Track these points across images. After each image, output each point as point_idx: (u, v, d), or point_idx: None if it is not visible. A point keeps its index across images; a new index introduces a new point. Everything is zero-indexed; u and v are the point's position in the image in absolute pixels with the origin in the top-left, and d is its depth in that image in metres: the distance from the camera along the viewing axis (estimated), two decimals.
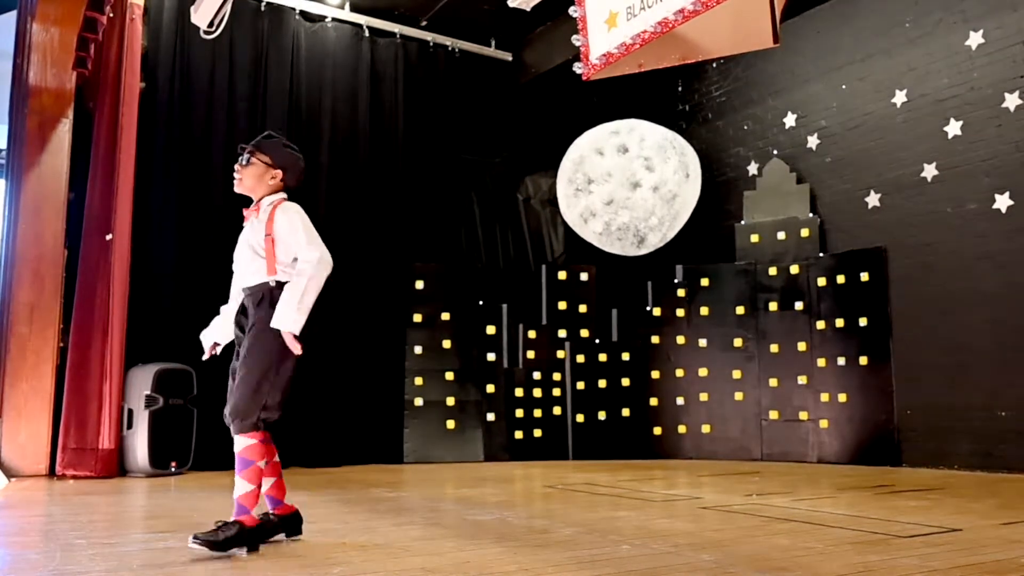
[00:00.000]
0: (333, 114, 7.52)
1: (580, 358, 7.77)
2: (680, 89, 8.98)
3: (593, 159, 7.00)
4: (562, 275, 7.96)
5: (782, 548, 3.09)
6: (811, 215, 7.46)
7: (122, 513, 4.27)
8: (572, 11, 4.67)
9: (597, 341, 7.86)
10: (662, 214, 6.79)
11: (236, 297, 3.33)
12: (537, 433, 7.59)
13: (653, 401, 7.74)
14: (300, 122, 7.25)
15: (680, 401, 7.71)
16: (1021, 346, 5.95)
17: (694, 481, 5.72)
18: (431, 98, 8.05)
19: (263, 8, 7.27)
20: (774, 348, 7.43)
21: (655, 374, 7.77)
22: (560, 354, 7.78)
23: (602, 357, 7.80)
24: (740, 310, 7.63)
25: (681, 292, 7.82)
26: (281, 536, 3.26)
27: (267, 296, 3.16)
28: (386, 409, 7.25)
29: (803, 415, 7.20)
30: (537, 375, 7.68)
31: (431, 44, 8.11)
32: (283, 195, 3.33)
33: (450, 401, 7.37)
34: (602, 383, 7.75)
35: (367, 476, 6.06)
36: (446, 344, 7.45)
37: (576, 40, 4.61)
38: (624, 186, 6.83)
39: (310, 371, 6.53)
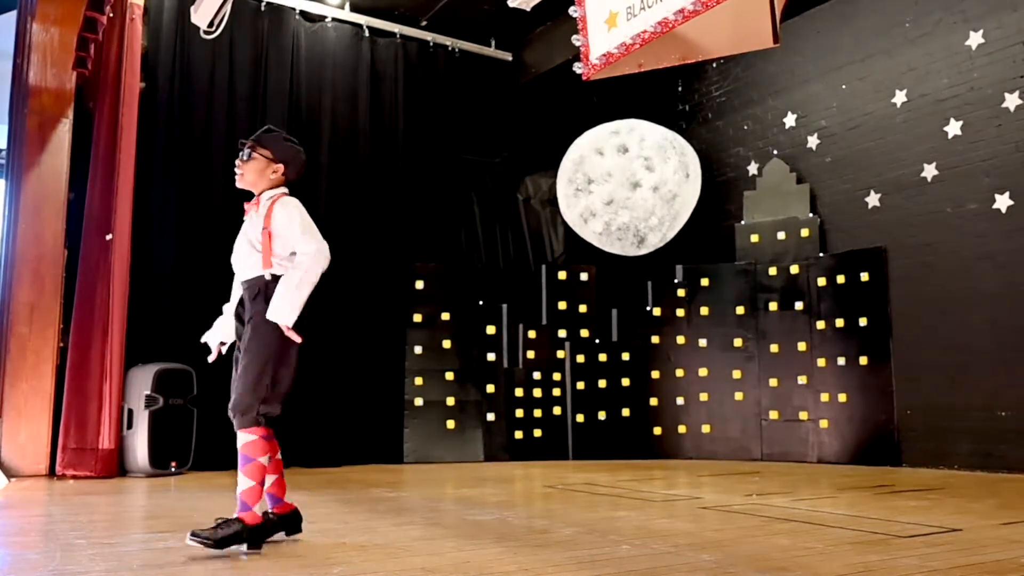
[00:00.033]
0: (333, 114, 7.52)
1: (580, 358, 7.77)
2: (680, 89, 8.98)
3: (593, 159, 7.00)
4: (562, 275, 7.96)
5: (782, 548, 3.09)
6: (811, 215, 7.46)
7: (122, 513, 4.27)
8: (572, 11, 4.67)
9: (597, 341, 7.86)
10: (662, 214, 6.79)
11: (237, 293, 3.34)
12: (537, 433, 7.59)
13: (653, 401, 7.74)
14: (300, 122, 7.25)
15: (680, 401, 7.71)
16: (1021, 346, 5.95)
17: (694, 481, 5.72)
18: (431, 98, 8.05)
19: (263, 8, 7.27)
20: (774, 348, 7.43)
21: (655, 374, 7.77)
22: (560, 354, 7.78)
23: (602, 357, 7.80)
24: (740, 310, 7.63)
25: (681, 292, 7.82)
26: (280, 535, 3.26)
27: (263, 290, 3.17)
28: (386, 409, 7.25)
29: (803, 415, 7.20)
30: (537, 375, 7.68)
31: (431, 44, 8.11)
32: (284, 190, 3.33)
33: (450, 401, 7.37)
34: (602, 383, 7.75)
35: (367, 476, 6.06)
36: (446, 344, 7.45)
37: (576, 40, 4.61)
38: (624, 186, 6.83)
39: (310, 371, 6.54)
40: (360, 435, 7.06)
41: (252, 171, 3.30)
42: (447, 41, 8.19)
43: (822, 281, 7.24)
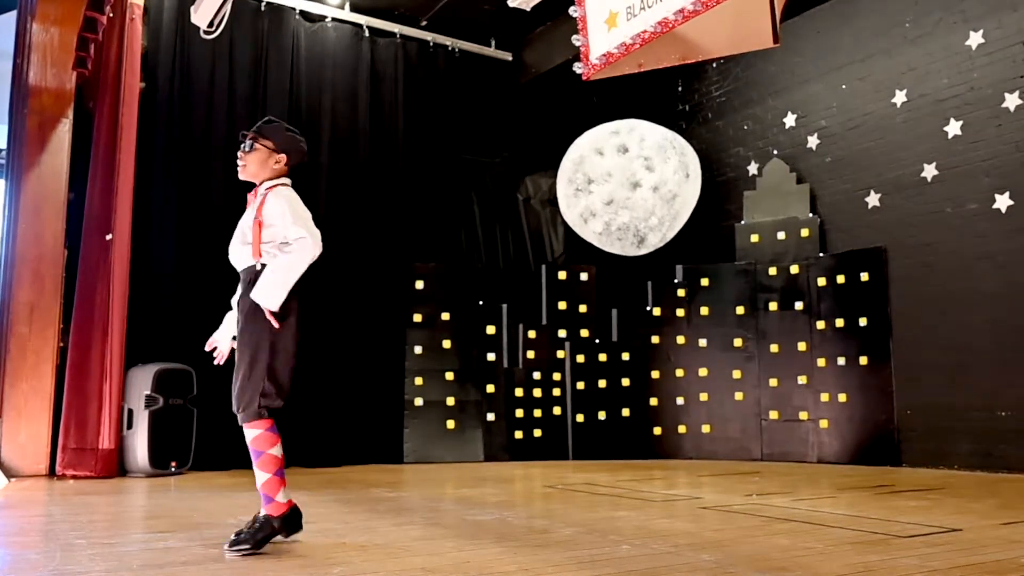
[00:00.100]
0: (333, 114, 7.52)
1: (580, 358, 7.77)
2: (680, 89, 8.98)
3: (593, 159, 7.00)
4: (562, 275, 7.96)
5: (782, 548, 3.09)
6: (811, 215, 7.46)
7: (122, 513, 4.27)
8: (572, 11, 4.67)
9: (597, 341, 7.86)
10: (662, 214, 6.79)
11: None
12: (537, 433, 7.59)
13: (653, 401, 7.74)
14: (300, 122, 7.23)
15: (680, 401, 7.71)
16: (1021, 346, 5.95)
17: (694, 481, 5.72)
18: (431, 98, 8.05)
19: (263, 8, 7.27)
20: (774, 348, 7.43)
21: (655, 374, 7.77)
22: (560, 354, 7.78)
23: (602, 357, 7.80)
24: (740, 310, 7.63)
25: (681, 292, 7.82)
26: (279, 535, 3.25)
27: (254, 280, 3.16)
28: (386, 409, 7.25)
29: (803, 415, 7.20)
30: (537, 375, 7.68)
31: (431, 44, 8.11)
32: (283, 180, 3.32)
33: (450, 401, 7.37)
34: (602, 383, 7.75)
35: (367, 476, 6.06)
36: (446, 344, 7.45)
37: (576, 40, 4.61)
38: (624, 186, 6.83)
39: (310, 371, 6.54)
40: (360, 435, 7.06)
41: (254, 162, 3.30)
42: (447, 41, 8.19)
43: (822, 281, 7.24)
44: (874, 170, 7.03)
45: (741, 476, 5.99)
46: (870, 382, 6.82)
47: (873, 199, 7.01)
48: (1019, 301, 6.00)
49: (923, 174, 6.66)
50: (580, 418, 7.66)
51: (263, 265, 3.17)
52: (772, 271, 7.54)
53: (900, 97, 6.88)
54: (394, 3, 7.79)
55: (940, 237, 6.52)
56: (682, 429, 7.66)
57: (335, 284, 7.10)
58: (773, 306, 7.50)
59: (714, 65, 8.52)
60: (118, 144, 6.01)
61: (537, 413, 7.62)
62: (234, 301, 3.39)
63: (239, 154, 3.32)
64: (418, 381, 7.34)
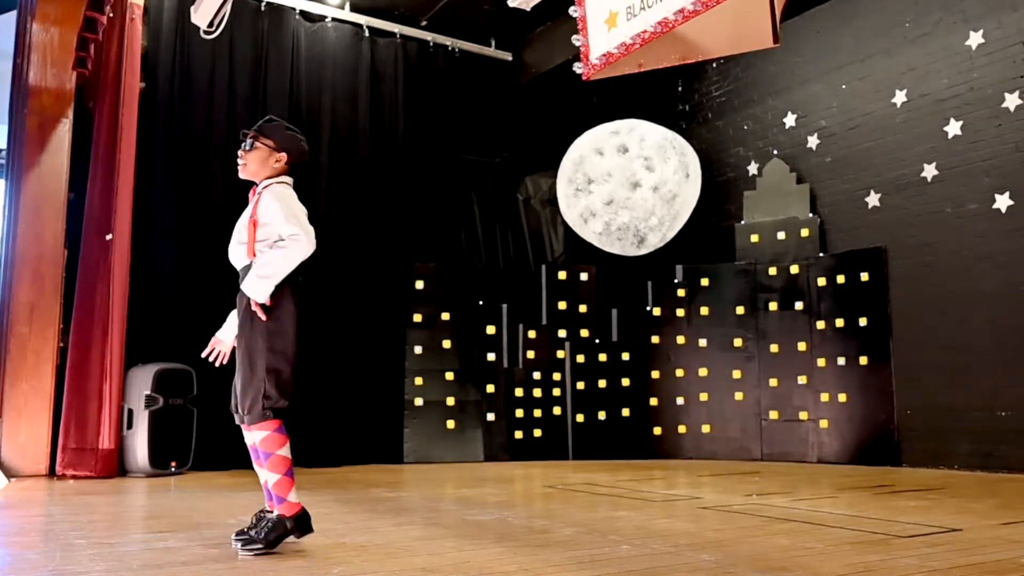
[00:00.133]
0: (333, 114, 7.52)
1: (580, 358, 7.77)
2: (680, 89, 8.98)
3: (593, 159, 7.00)
4: (562, 275, 7.96)
5: (782, 548, 3.09)
6: (811, 215, 7.46)
7: (122, 513, 4.27)
8: (572, 11, 4.67)
9: (597, 341, 7.86)
10: (662, 214, 6.79)
11: None
12: (537, 433, 7.59)
13: (653, 401, 7.74)
14: (300, 122, 7.23)
15: (680, 401, 7.71)
16: (1021, 346, 5.95)
17: (694, 481, 5.72)
18: (431, 98, 8.05)
19: (263, 8, 7.27)
20: (774, 348, 7.43)
21: (655, 374, 7.77)
22: (560, 354, 7.78)
23: (602, 357, 7.80)
24: (740, 310, 7.63)
25: (681, 292, 7.82)
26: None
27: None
28: (386, 409, 7.25)
29: (803, 415, 7.20)
30: (537, 375, 7.68)
31: (431, 44, 8.11)
32: (282, 178, 3.32)
33: (450, 401, 7.37)
34: (602, 383, 7.75)
35: (367, 476, 6.06)
36: (446, 344, 7.45)
37: (576, 40, 4.61)
38: (624, 186, 6.83)
39: (311, 371, 6.55)
40: (360, 435, 7.06)
41: (254, 160, 3.30)
42: (447, 41, 8.19)
43: (822, 281, 7.24)
44: (874, 170, 7.03)
45: (741, 476, 5.99)
46: (870, 382, 6.82)
47: (873, 199, 7.01)
48: (1019, 301, 6.00)
49: (923, 174, 6.66)
50: (580, 418, 7.66)
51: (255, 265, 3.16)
52: (772, 271, 7.54)
53: (900, 97, 6.88)
54: (394, 3, 7.79)
55: (940, 237, 6.52)
56: (682, 429, 7.67)
57: (335, 284, 7.10)
58: (773, 306, 7.50)
59: (714, 65, 8.52)
60: (118, 144, 6.01)
61: (537, 413, 7.62)
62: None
63: (240, 153, 3.32)
64: (418, 381, 7.34)
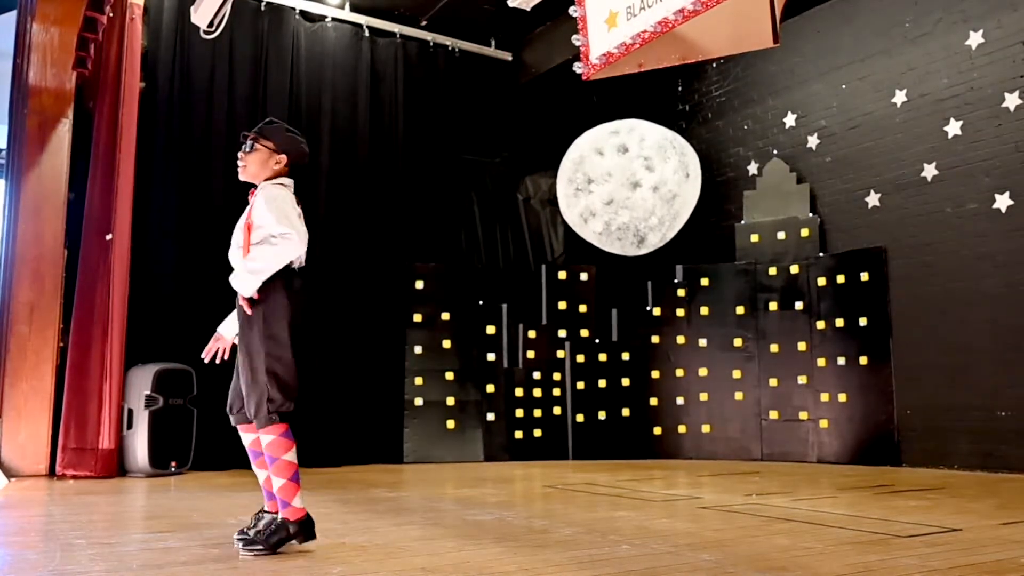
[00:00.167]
0: (333, 114, 7.52)
1: (580, 358, 7.77)
2: (680, 89, 8.98)
3: (593, 159, 7.00)
4: (562, 275, 7.96)
5: (782, 548, 3.09)
6: (811, 215, 7.46)
7: (122, 513, 4.27)
8: (572, 11, 4.67)
9: (597, 341, 7.86)
10: (662, 214, 6.79)
11: None
12: (537, 433, 7.59)
13: (653, 401, 7.74)
14: (300, 122, 7.23)
15: (680, 401, 7.71)
16: (1021, 346, 5.95)
17: (694, 481, 5.72)
18: (431, 98, 8.05)
19: (263, 8, 7.27)
20: (774, 348, 7.43)
21: (655, 374, 7.76)
22: (560, 354, 7.78)
23: (602, 357, 7.80)
24: (740, 310, 7.63)
25: (681, 292, 7.82)
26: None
27: None
28: (386, 409, 7.25)
29: (803, 415, 7.20)
30: (537, 375, 7.68)
31: (431, 44, 8.11)
32: (281, 180, 3.31)
33: (450, 401, 7.37)
34: (602, 383, 7.75)
35: (367, 476, 6.06)
36: (446, 344, 7.45)
37: (576, 40, 4.61)
38: (624, 186, 6.83)
39: (311, 371, 6.54)
40: (360, 435, 7.06)
41: (255, 162, 3.30)
42: (447, 41, 8.19)
43: (822, 281, 7.24)
44: (874, 170, 7.03)
45: (741, 476, 5.99)
46: (870, 382, 6.82)
47: (873, 199, 7.01)
48: (1019, 301, 6.00)
49: (923, 174, 6.66)
50: (580, 418, 7.66)
51: None
52: (772, 271, 7.54)
53: (900, 97, 6.88)
54: (394, 3, 7.79)
55: (940, 237, 6.52)
56: (682, 429, 7.66)
57: (335, 284, 7.10)
58: (773, 306, 7.50)
59: (714, 65, 8.52)
60: (118, 144, 6.01)
61: (537, 413, 7.62)
62: None
63: (240, 155, 3.32)
64: (418, 381, 7.34)
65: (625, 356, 7.81)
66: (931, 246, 6.57)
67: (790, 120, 7.80)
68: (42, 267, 6.23)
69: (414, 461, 7.17)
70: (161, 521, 3.83)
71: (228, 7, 5.54)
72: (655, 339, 7.79)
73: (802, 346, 7.29)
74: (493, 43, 8.52)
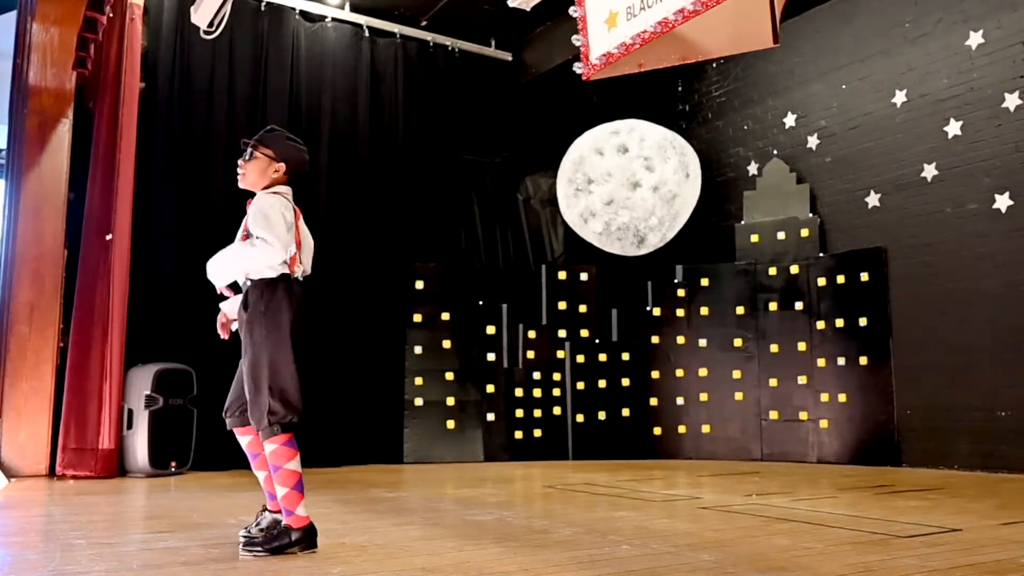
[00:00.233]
0: (333, 114, 7.52)
1: (580, 358, 7.77)
2: (680, 89, 8.98)
3: (593, 159, 7.00)
4: (562, 275, 7.96)
5: (782, 548, 3.09)
6: (811, 215, 7.46)
7: (122, 513, 4.27)
8: (572, 11, 4.67)
9: (597, 341, 7.86)
10: (662, 214, 6.79)
11: None
12: (537, 433, 7.59)
13: (653, 401, 7.74)
14: (300, 122, 7.25)
15: (680, 401, 7.71)
16: (1021, 346, 5.95)
17: (694, 481, 5.72)
18: (431, 98, 8.05)
19: (263, 8, 7.27)
20: (774, 348, 7.43)
21: (655, 374, 7.76)
22: (560, 354, 7.78)
23: (602, 357, 7.80)
24: (740, 310, 7.63)
25: (681, 292, 7.82)
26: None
27: (246, 296, 3.14)
28: (386, 409, 7.25)
29: (803, 415, 7.20)
30: (537, 375, 7.68)
31: (431, 44, 8.11)
32: (278, 188, 3.29)
33: (450, 401, 7.37)
34: (602, 383, 7.75)
35: (367, 476, 6.06)
36: (446, 344, 7.45)
37: (576, 40, 4.61)
38: (624, 186, 6.83)
39: (311, 371, 6.53)
40: (360, 435, 7.06)
41: (253, 170, 3.29)
42: (447, 41, 8.19)
43: (822, 281, 7.24)
44: (874, 170, 7.03)
45: (741, 476, 5.99)
46: (870, 382, 6.82)
47: (873, 199, 7.01)
48: (1019, 301, 6.00)
49: (923, 174, 6.66)
50: (580, 418, 7.66)
51: (249, 280, 3.15)
52: (772, 271, 7.54)
53: (900, 97, 6.88)
54: (394, 3, 7.79)
55: (940, 237, 6.52)
56: (682, 429, 7.66)
57: (335, 284, 7.09)
58: (773, 306, 7.50)
59: (714, 65, 8.52)
60: (118, 144, 6.01)
61: (537, 413, 7.62)
62: None
63: (239, 162, 3.31)
64: (418, 381, 7.34)
65: (625, 356, 7.81)
66: (931, 246, 6.57)
67: (790, 120, 7.80)
68: (42, 267, 6.23)
69: (414, 461, 7.17)
70: (161, 521, 3.83)
71: (228, 7, 5.54)
72: (655, 339, 7.79)
73: (802, 346, 7.28)
74: (493, 43, 8.52)
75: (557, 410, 7.69)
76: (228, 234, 3.36)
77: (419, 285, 7.50)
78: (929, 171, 6.62)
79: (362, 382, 7.16)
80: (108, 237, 5.94)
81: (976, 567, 2.73)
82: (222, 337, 3.34)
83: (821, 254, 7.34)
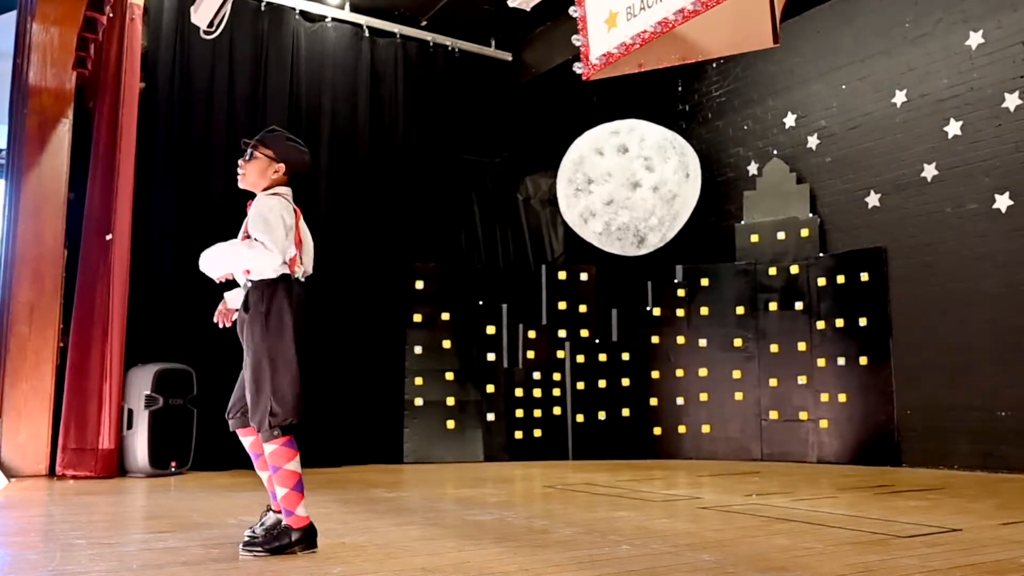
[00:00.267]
0: (333, 114, 7.52)
1: (580, 358, 7.76)
2: (680, 89, 8.98)
3: (593, 159, 7.00)
4: (562, 275, 7.96)
5: (782, 548, 3.09)
6: (811, 215, 7.46)
7: (122, 513, 4.27)
8: (572, 11, 4.67)
9: (597, 341, 7.86)
10: (662, 214, 6.79)
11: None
12: (537, 433, 7.59)
13: (653, 401, 7.74)
14: (300, 122, 7.25)
15: (680, 401, 7.71)
16: (1021, 346, 5.95)
17: (694, 481, 5.72)
18: (431, 98, 8.05)
19: (263, 8, 7.27)
20: (774, 348, 7.43)
21: (655, 374, 7.76)
22: (560, 354, 7.78)
23: (602, 357, 7.80)
24: (740, 310, 7.63)
25: (681, 292, 7.82)
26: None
27: (247, 297, 3.14)
28: (386, 409, 7.25)
29: (803, 415, 7.20)
30: (537, 375, 7.68)
31: (431, 44, 8.11)
32: (278, 189, 3.29)
33: (450, 401, 7.37)
34: (602, 383, 7.75)
35: (367, 476, 6.06)
36: (446, 344, 7.45)
37: (576, 40, 4.61)
38: (624, 186, 6.83)
39: (311, 372, 6.53)
40: (360, 435, 7.06)
41: (253, 171, 3.28)
42: (447, 41, 8.19)
43: (822, 281, 7.24)
44: (874, 170, 7.03)
45: (741, 476, 5.99)
46: (870, 382, 6.82)
47: (873, 199, 7.01)
48: (1019, 301, 6.00)
49: (923, 174, 6.66)
50: (580, 418, 7.66)
51: (250, 282, 3.15)
52: (772, 271, 7.53)
53: (900, 97, 6.88)
54: (394, 3, 7.79)
55: (940, 237, 6.52)
56: (682, 429, 7.66)
57: (335, 284, 7.09)
58: (773, 306, 7.50)
59: (714, 65, 8.52)
60: (118, 144, 6.01)
61: (537, 413, 7.62)
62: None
63: (240, 163, 3.31)
64: (418, 381, 7.34)
65: (625, 356, 7.81)
66: (931, 246, 6.57)
67: (790, 120, 7.80)
68: (42, 267, 6.23)
69: (414, 461, 7.17)
70: (161, 521, 3.83)
71: (228, 7, 5.54)
72: (655, 339, 7.79)
73: (802, 346, 7.28)
74: (493, 43, 8.52)
75: (557, 410, 7.69)
76: (228, 234, 3.36)
77: (419, 285, 7.50)
78: (929, 171, 6.62)
79: (362, 382, 7.16)
80: (108, 237, 5.94)
81: (976, 567, 2.73)
82: (218, 325, 3.34)
83: (821, 254, 7.34)
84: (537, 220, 8.62)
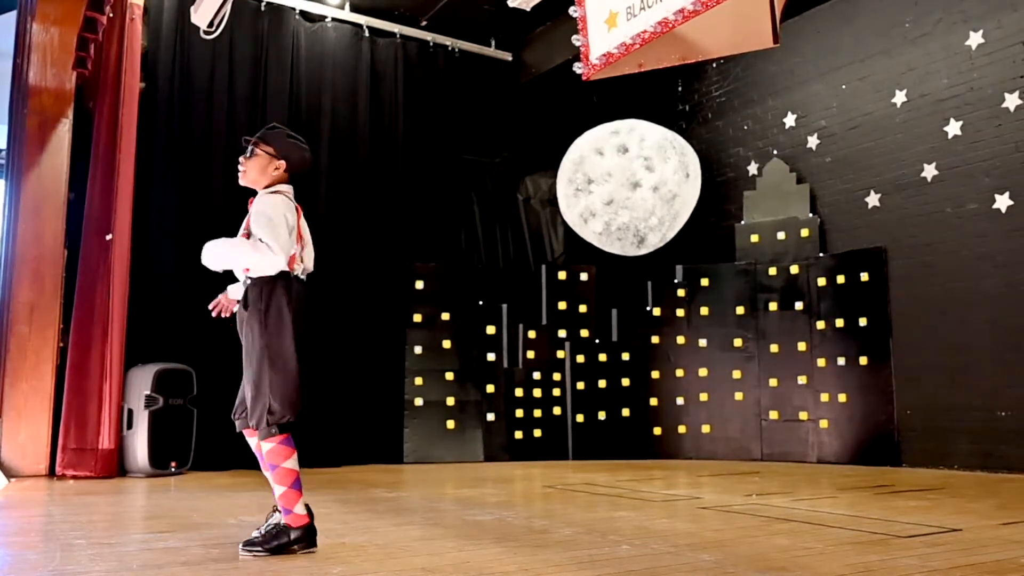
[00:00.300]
0: (333, 114, 7.52)
1: (580, 358, 7.76)
2: (680, 89, 8.98)
3: (593, 159, 7.00)
4: (562, 275, 7.96)
5: (782, 548, 3.09)
6: (811, 215, 7.46)
7: (122, 513, 4.27)
8: (572, 11, 4.67)
9: (597, 341, 7.86)
10: (662, 214, 6.79)
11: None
12: (537, 433, 7.59)
13: (653, 401, 7.74)
14: (300, 122, 7.24)
15: (680, 401, 7.71)
16: (1021, 346, 5.95)
17: (694, 481, 5.72)
18: (431, 98, 8.05)
19: (263, 8, 7.27)
20: (774, 348, 7.43)
21: (655, 374, 7.76)
22: (560, 354, 7.78)
23: (602, 357, 7.80)
24: (740, 310, 7.63)
25: (681, 292, 7.82)
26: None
27: (247, 295, 3.14)
28: (386, 409, 7.25)
29: (803, 415, 7.20)
30: (537, 375, 7.68)
31: (431, 44, 8.11)
32: (280, 187, 3.29)
33: (450, 401, 7.37)
34: (602, 383, 7.75)
35: (367, 476, 6.06)
36: (446, 344, 7.45)
37: (576, 40, 4.61)
38: (624, 186, 6.83)
39: (311, 371, 6.53)
40: (360, 435, 7.06)
41: (254, 168, 3.28)
42: (447, 41, 8.19)
43: (822, 281, 7.24)
44: (874, 170, 7.03)
45: (741, 476, 5.99)
46: (870, 382, 6.82)
47: (873, 199, 7.01)
48: (1019, 301, 6.00)
49: (923, 174, 6.66)
50: (580, 418, 7.66)
51: (250, 279, 3.15)
52: (772, 271, 7.54)
53: (900, 97, 6.88)
54: (394, 3, 7.79)
55: (940, 237, 6.52)
56: (682, 429, 7.66)
57: (335, 284, 7.09)
58: (773, 306, 7.50)
59: (714, 65, 8.52)
60: (118, 144, 6.01)
61: (537, 413, 7.62)
62: None
63: (240, 160, 3.31)
64: (418, 381, 7.34)
65: (625, 356, 7.81)
66: (931, 246, 6.57)
67: (790, 120, 7.80)
68: (42, 267, 6.23)
69: (414, 461, 7.17)
70: (161, 521, 3.83)
71: (228, 7, 5.54)
72: (655, 339, 7.79)
73: (802, 346, 7.28)
74: (493, 43, 8.52)
75: (557, 410, 7.69)
76: (228, 234, 3.36)
77: (419, 285, 7.50)
78: (929, 171, 6.62)
79: (362, 382, 7.16)
80: (108, 237, 5.94)
81: (976, 567, 2.73)
82: (212, 313, 3.35)
83: (821, 254, 7.34)
84: (537, 220, 8.62)
